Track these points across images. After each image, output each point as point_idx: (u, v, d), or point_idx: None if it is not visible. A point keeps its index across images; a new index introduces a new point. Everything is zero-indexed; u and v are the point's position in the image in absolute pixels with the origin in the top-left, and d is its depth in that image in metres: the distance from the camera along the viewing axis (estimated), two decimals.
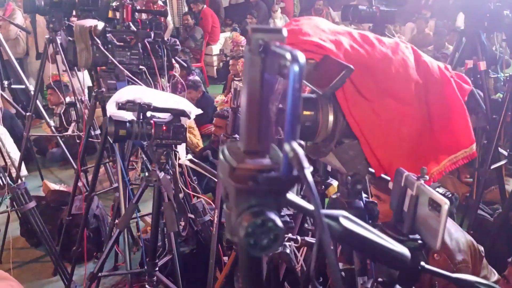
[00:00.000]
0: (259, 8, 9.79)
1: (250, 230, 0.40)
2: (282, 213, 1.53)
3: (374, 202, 1.09)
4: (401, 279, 0.87)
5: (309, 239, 1.43)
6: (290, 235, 1.41)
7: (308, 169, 0.40)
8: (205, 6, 8.96)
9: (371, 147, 1.02)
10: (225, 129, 3.55)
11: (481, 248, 2.14)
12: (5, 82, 3.85)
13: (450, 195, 3.10)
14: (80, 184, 3.40)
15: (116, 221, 2.79)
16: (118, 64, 2.24)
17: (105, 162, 3.52)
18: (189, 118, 2.22)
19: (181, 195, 2.70)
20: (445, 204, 0.77)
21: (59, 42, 3.48)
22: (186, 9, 9.63)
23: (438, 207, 0.78)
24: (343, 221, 0.50)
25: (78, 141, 4.16)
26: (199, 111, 2.35)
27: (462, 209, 3.38)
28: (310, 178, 0.40)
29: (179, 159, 2.34)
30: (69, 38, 2.57)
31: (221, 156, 0.43)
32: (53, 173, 5.25)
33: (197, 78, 5.70)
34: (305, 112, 1.00)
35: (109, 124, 2.08)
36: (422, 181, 0.85)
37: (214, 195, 3.40)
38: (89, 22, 2.26)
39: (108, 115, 2.14)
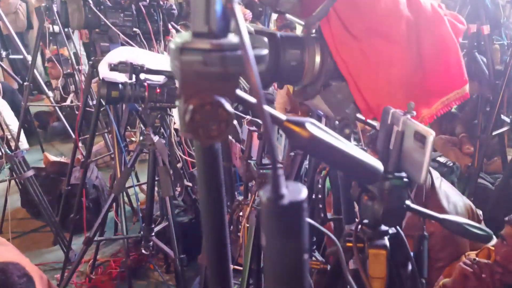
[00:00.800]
0: None
1: (197, 115, 0.37)
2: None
3: (363, 148, 1.05)
4: (385, 219, 0.83)
5: None
6: None
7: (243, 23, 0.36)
8: None
9: (359, 89, 0.97)
10: None
11: (480, 212, 2.11)
12: (3, 53, 3.80)
13: (452, 164, 3.06)
14: (79, 156, 3.40)
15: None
16: (111, 25, 2.20)
17: (103, 133, 3.50)
18: None
19: (179, 165, 2.68)
20: (430, 135, 0.73)
21: (55, 10, 3.43)
22: None
23: (423, 139, 0.75)
24: (310, 127, 0.47)
25: (77, 112, 4.14)
26: None
27: (463, 179, 3.34)
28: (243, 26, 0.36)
29: (174, 123, 2.31)
30: None
31: (171, 44, 0.40)
32: (54, 147, 5.25)
33: None
34: (291, 51, 0.96)
35: (102, 86, 2.05)
36: (409, 116, 0.81)
37: None
38: None
39: (100, 77, 2.11)
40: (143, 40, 2.41)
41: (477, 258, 1.69)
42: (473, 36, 2.70)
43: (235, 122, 1.88)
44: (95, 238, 2.27)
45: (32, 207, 3.80)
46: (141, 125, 3.32)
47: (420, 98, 1.00)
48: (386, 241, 0.86)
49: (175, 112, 2.30)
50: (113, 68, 2.02)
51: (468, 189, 2.85)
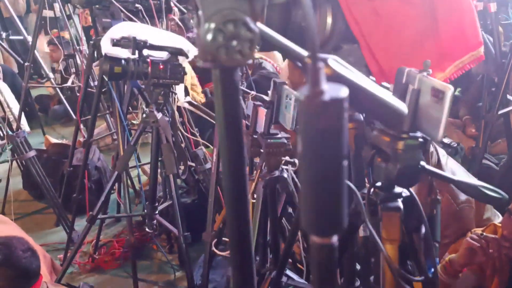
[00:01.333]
0: None
1: (219, 34, 0.35)
2: (279, 135, 1.48)
3: None
4: (400, 180, 0.82)
5: None
6: (287, 158, 1.36)
7: None
8: None
9: (371, 50, 0.95)
10: None
11: None
12: (3, 34, 3.77)
13: (456, 145, 3.04)
14: (81, 138, 3.38)
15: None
16: (113, 0, 2.16)
17: (104, 114, 3.47)
18: (187, 57, 2.15)
19: (182, 145, 2.66)
20: (449, 89, 0.71)
21: None
22: None
23: (441, 95, 0.73)
24: (333, 64, 0.44)
25: (78, 94, 4.12)
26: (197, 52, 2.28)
27: (467, 161, 3.32)
28: None
29: (177, 101, 2.28)
30: None
31: None
32: (55, 130, 5.23)
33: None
34: (301, 10, 0.93)
35: (104, 61, 2.02)
36: (425, 73, 0.79)
37: None
38: None
39: (102, 52, 2.08)
40: (146, 16, 2.37)
41: (484, 233, 1.68)
42: (480, 14, 2.66)
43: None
44: (99, 216, 2.25)
45: (34, 188, 3.79)
46: (143, 106, 3.31)
47: (434, 61, 0.97)
48: (399, 203, 0.84)
49: (178, 89, 2.28)
50: (116, 43, 1.99)
51: (472, 169, 2.84)
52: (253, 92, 1.93)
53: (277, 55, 5.14)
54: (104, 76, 2.05)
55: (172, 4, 2.72)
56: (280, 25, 0.92)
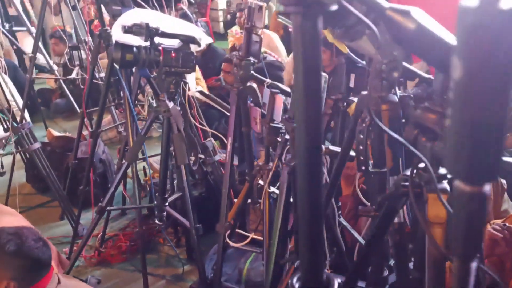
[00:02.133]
0: None
1: None
2: None
3: (409, 95, 0.99)
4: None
5: (333, 147, 1.34)
6: None
7: None
8: None
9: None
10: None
11: (503, 181, 2.07)
12: (6, 25, 3.71)
13: None
14: (85, 132, 3.34)
15: (123, 161, 2.72)
16: None
17: (109, 106, 3.42)
18: (199, 45, 2.11)
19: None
20: None
21: None
22: None
23: None
24: (417, 16, 0.40)
25: (82, 86, 4.06)
26: (210, 40, 2.24)
27: None
28: None
29: (188, 90, 2.24)
30: None
31: None
32: (57, 124, 5.18)
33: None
34: None
35: (115, 49, 1.98)
36: None
37: (222, 142, 3.30)
38: None
39: (113, 39, 2.04)
40: (156, 4, 2.33)
41: (506, 224, 1.64)
42: None
43: (254, 85, 1.81)
44: (108, 208, 2.21)
45: (38, 181, 3.75)
46: (149, 98, 3.26)
47: None
48: (445, 184, 0.80)
49: (189, 78, 2.24)
50: (127, 30, 1.94)
51: None
52: (269, 80, 1.89)
53: (281, 50, 5.10)
54: (115, 63, 2.00)
55: None
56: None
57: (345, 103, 1.63)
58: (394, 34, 0.40)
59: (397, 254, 0.98)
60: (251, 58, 1.88)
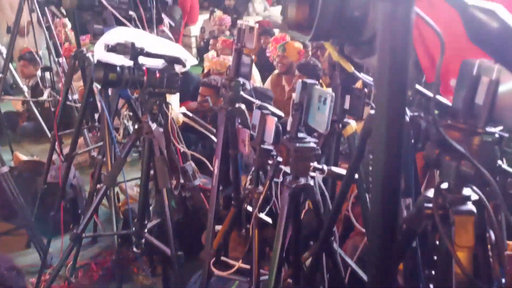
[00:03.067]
0: None
1: None
2: (308, 139, 1.39)
3: (420, 115, 0.97)
4: (477, 180, 0.74)
5: (337, 169, 1.30)
6: (315, 163, 1.28)
7: None
8: None
9: (425, 42, 0.89)
10: (213, 97, 3.39)
11: None
12: None
13: None
14: (54, 156, 3.20)
15: (98, 186, 2.61)
16: (107, 4, 2.06)
17: (83, 128, 3.30)
18: (184, 66, 2.06)
19: None
20: None
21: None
22: None
23: None
24: (503, 14, 0.37)
25: (53, 109, 3.93)
26: (195, 61, 2.19)
27: None
28: None
29: (171, 112, 2.17)
30: None
31: None
32: (24, 148, 4.96)
33: None
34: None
35: (97, 68, 1.90)
36: None
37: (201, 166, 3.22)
38: None
39: (95, 59, 1.96)
40: (138, 25, 2.27)
41: None
42: None
43: (243, 107, 1.77)
44: (84, 235, 2.09)
45: (2, 208, 3.55)
46: (124, 121, 3.17)
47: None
48: (471, 206, 0.77)
49: (173, 99, 2.18)
50: (111, 49, 1.88)
51: None
52: (258, 101, 1.85)
53: (256, 75, 5.12)
54: (96, 83, 1.93)
55: (163, 16, 2.64)
56: (336, 12, 0.85)
57: (340, 125, 1.61)
58: (474, 34, 0.37)
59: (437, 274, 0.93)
60: (241, 79, 1.84)
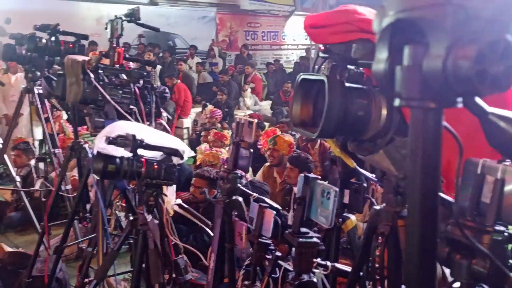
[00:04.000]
0: (230, 86, 10.07)
1: (483, 54, 0.29)
2: (311, 234, 1.37)
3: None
4: (489, 277, 0.74)
5: (341, 266, 1.27)
6: (319, 260, 1.25)
7: None
8: (178, 81, 9.11)
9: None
10: (208, 187, 3.39)
11: None
12: None
13: None
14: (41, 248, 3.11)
15: (86, 280, 2.51)
16: (110, 99, 2.13)
17: (75, 219, 3.24)
18: (182, 158, 2.09)
19: None
20: None
21: (36, 92, 3.35)
22: (158, 83, 9.73)
23: None
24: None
25: (44, 199, 3.87)
26: (192, 153, 2.23)
27: None
28: None
29: (167, 203, 2.16)
30: (58, 71, 2.46)
31: None
32: (8, 239, 4.81)
33: None
34: (359, 100, 0.92)
35: (97, 159, 1.92)
36: (507, 163, 0.76)
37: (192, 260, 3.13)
38: (81, 57, 2.17)
39: (95, 150, 1.99)
40: (138, 118, 2.34)
41: None
42: None
43: (240, 199, 1.77)
44: None
45: None
46: (116, 212, 3.13)
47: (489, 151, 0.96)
48: None
49: (169, 190, 2.18)
50: (112, 141, 1.91)
51: None
52: (255, 194, 1.86)
53: None
54: (95, 175, 1.93)
55: (161, 110, 2.72)
56: (340, 112, 0.89)
57: (340, 219, 1.61)
58: (494, 138, 0.39)
59: None
60: (238, 172, 1.87)
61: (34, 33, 3.03)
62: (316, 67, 1.20)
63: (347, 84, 0.91)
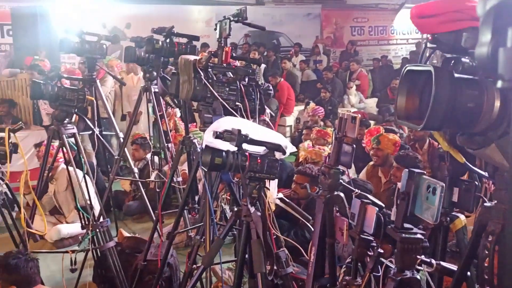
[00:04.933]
0: (334, 83, 9.96)
1: None
2: (415, 230, 1.34)
3: None
4: None
5: (446, 264, 1.22)
6: (423, 257, 1.22)
7: None
8: (282, 79, 9.21)
9: None
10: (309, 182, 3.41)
11: None
12: (97, 129, 4.01)
13: None
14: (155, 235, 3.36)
15: (194, 266, 2.67)
16: (218, 97, 2.25)
17: (184, 209, 3.47)
18: (284, 153, 2.14)
19: None
20: None
21: (153, 90, 3.63)
22: (262, 81, 9.95)
23: None
24: None
25: (158, 190, 4.19)
26: (294, 149, 2.27)
27: None
28: None
29: (268, 197, 2.23)
30: (173, 71, 2.65)
31: None
32: (127, 226, 5.28)
33: None
34: (468, 91, 0.88)
35: (205, 152, 2.04)
36: None
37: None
38: (193, 57, 2.32)
39: (203, 144, 2.12)
40: (243, 114, 2.43)
41: None
42: None
43: (341, 195, 1.76)
44: None
45: (104, 282, 3.72)
46: (222, 204, 3.28)
47: None
48: None
49: (271, 184, 2.24)
50: (219, 135, 2.02)
51: None
52: (357, 190, 1.84)
53: None
54: (203, 167, 2.06)
55: (265, 106, 2.80)
56: (448, 103, 0.86)
57: (448, 218, 1.54)
58: None
59: None
60: (340, 167, 1.87)
61: (152, 36, 3.29)
62: (424, 58, 1.17)
63: (456, 75, 0.88)
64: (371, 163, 4.64)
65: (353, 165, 5.13)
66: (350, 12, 13.86)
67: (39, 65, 6.05)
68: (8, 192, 3.09)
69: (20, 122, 2.82)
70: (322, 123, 7.36)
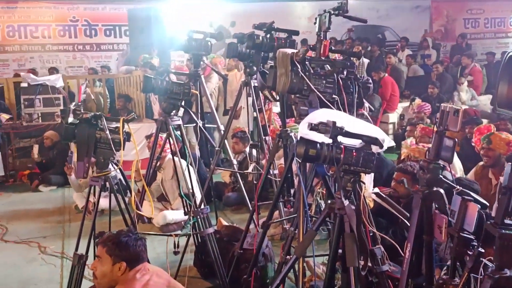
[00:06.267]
0: (444, 78, 9.40)
1: None
2: None
3: None
4: None
5: None
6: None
7: None
8: (385, 74, 8.91)
9: None
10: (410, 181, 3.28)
11: None
12: (200, 122, 4.22)
13: None
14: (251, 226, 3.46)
15: (288, 257, 2.72)
16: (314, 89, 2.26)
17: (280, 201, 3.53)
18: (382, 147, 2.09)
19: None
20: None
21: (252, 85, 3.74)
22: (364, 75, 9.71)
23: None
24: None
25: (255, 182, 4.31)
26: (392, 143, 2.21)
27: None
28: None
29: (364, 191, 2.19)
30: (271, 64, 2.72)
31: None
32: (225, 215, 5.50)
33: None
34: None
35: (300, 144, 2.06)
36: None
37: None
38: (291, 50, 2.36)
39: (298, 136, 2.14)
40: (340, 108, 2.42)
41: None
42: None
43: (441, 191, 1.67)
44: None
45: (203, 266, 3.92)
46: (317, 198, 3.28)
47: None
48: None
49: (367, 178, 2.21)
50: (313, 127, 2.03)
51: None
52: (458, 187, 1.75)
53: (456, 163, 4.78)
54: (297, 158, 2.08)
55: (364, 100, 2.75)
56: None
57: None
58: None
59: None
60: (441, 162, 1.78)
61: (253, 32, 3.38)
62: None
63: None
64: (481, 163, 4.32)
65: (461, 165, 4.81)
66: (464, 3, 12.96)
67: (150, 62, 6.51)
68: (122, 179, 3.38)
69: (133, 113, 3.07)
70: (428, 120, 7.00)
